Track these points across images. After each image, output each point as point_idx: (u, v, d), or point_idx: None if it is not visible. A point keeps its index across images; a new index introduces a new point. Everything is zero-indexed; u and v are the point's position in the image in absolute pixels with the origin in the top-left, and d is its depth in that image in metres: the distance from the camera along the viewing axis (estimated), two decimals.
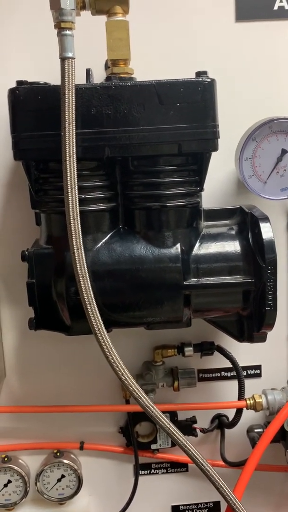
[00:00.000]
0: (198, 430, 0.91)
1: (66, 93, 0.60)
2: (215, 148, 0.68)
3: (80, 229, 0.63)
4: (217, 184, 0.85)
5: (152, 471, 0.95)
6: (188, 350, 0.87)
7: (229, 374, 0.92)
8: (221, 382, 0.93)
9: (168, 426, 0.70)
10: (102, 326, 0.66)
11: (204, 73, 0.66)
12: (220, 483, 0.73)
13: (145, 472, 0.94)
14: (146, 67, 0.74)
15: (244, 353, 0.90)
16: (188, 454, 0.72)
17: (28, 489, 0.89)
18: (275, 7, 0.80)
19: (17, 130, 0.66)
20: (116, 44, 0.69)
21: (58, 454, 0.90)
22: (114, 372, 0.68)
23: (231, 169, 0.83)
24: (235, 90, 0.81)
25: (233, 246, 0.72)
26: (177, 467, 0.95)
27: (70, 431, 0.91)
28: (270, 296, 0.68)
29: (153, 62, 0.78)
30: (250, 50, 0.81)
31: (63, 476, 0.89)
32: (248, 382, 0.89)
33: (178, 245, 0.71)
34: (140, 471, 0.93)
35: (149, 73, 0.70)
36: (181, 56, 0.79)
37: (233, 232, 0.74)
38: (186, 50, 0.80)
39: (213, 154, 0.73)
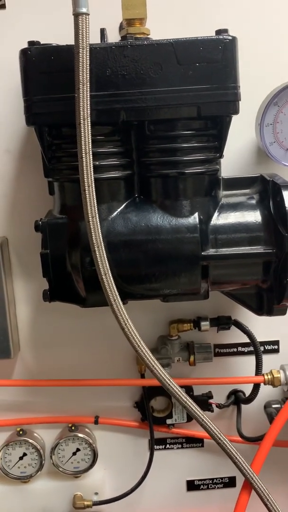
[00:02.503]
0: (214, 406, 0.90)
1: (80, 51, 0.57)
2: (236, 111, 0.65)
3: (95, 197, 0.61)
4: (237, 153, 0.82)
5: (167, 446, 0.94)
6: (205, 325, 0.85)
7: (246, 349, 0.90)
8: (238, 358, 0.91)
9: (185, 399, 0.69)
10: (118, 297, 0.64)
11: (225, 31, 0.63)
12: (238, 457, 0.73)
13: (160, 447, 0.94)
14: (163, 29, 0.70)
15: (262, 328, 0.88)
16: (205, 428, 0.71)
17: (43, 462, 0.89)
18: None
19: (29, 93, 0.63)
20: (131, 2, 0.66)
21: (73, 428, 0.89)
22: (130, 344, 0.66)
23: (250, 137, 0.80)
24: (257, 52, 0.77)
25: (253, 216, 0.69)
26: (192, 442, 0.94)
27: (85, 405, 0.90)
28: None
29: (171, 23, 0.74)
30: (274, 11, 0.77)
31: (78, 449, 0.89)
32: (265, 358, 0.87)
33: (196, 215, 0.68)
34: (155, 446, 0.92)
35: (166, 35, 0.66)
36: (201, 17, 0.75)
37: (253, 201, 0.71)
38: (206, 10, 0.76)
39: (233, 121, 0.70)
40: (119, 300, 0.64)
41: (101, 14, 0.69)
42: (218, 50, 0.61)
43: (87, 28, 0.57)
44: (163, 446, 0.94)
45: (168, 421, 0.91)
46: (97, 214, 0.61)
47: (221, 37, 0.62)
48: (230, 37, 0.62)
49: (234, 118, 0.68)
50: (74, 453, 0.90)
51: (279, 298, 0.69)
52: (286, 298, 0.68)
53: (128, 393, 0.91)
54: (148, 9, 0.67)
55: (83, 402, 0.90)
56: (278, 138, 0.73)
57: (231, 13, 0.76)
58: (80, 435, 0.89)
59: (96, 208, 0.61)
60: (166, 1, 0.75)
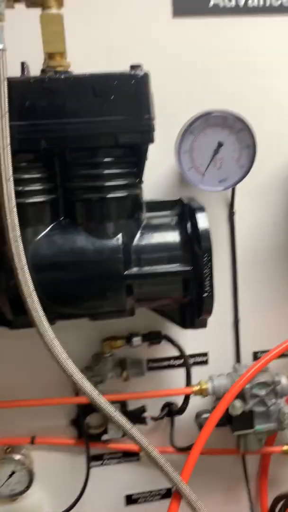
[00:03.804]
0: (148, 419, 0.93)
1: None
2: (151, 140, 0.69)
3: (17, 221, 0.63)
4: (160, 177, 0.87)
5: (105, 461, 0.96)
6: (136, 340, 0.88)
7: (177, 362, 0.94)
8: (170, 371, 0.95)
9: (115, 415, 0.72)
10: (43, 318, 0.66)
11: (138, 66, 0.68)
12: (168, 468, 0.75)
13: (98, 463, 0.95)
14: (83, 62, 0.74)
15: (192, 341, 0.93)
16: (135, 441, 0.73)
17: None
18: (211, 4, 0.83)
19: None
20: (51, 37, 0.69)
21: (8, 450, 0.89)
22: (57, 364, 0.68)
23: (173, 162, 0.85)
24: (174, 84, 0.83)
25: (172, 236, 0.74)
26: (129, 456, 0.96)
27: (21, 426, 0.91)
28: (207, 282, 0.70)
29: (90, 57, 0.79)
30: (187, 45, 0.83)
31: (13, 472, 0.89)
32: (196, 369, 0.92)
33: (120, 236, 0.72)
34: (92, 463, 0.94)
35: (86, 68, 0.71)
36: (118, 51, 0.81)
37: (173, 222, 0.76)
38: (124, 45, 0.81)
39: (156, 147, 0.74)
40: (45, 322, 0.66)
41: (28, 47, 0.73)
42: (131, 85, 0.66)
43: (5, 63, 0.60)
44: (101, 462, 0.96)
45: (104, 437, 0.92)
46: (19, 238, 0.63)
47: (133, 72, 0.66)
48: (142, 73, 0.67)
49: (157, 144, 0.73)
50: (10, 476, 0.89)
51: (199, 312, 0.74)
52: (205, 311, 0.73)
53: (63, 411, 0.92)
54: (72, 42, 0.72)
55: (18, 422, 0.90)
56: (195, 164, 0.79)
57: (150, 49, 0.82)
58: (15, 457, 0.89)
59: (18, 232, 0.63)
60: (87, 35, 0.80)
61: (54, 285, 0.70)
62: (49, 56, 0.70)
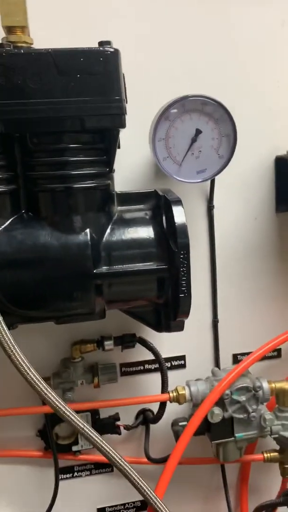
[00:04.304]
0: (121, 428, 0.87)
1: None
2: (122, 125, 0.63)
3: None
4: (134, 168, 0.81)
5: (75, 474, 0.90)
6: (108, 344, 0.82)
7: (153, 366, 0.88)
8: (145, 376, 0.89)
9: (82, 426, 0.65)
10: (2, 322, 0.59)
11: (108, 43, 0.61)
12: (140, 483, 0.69)
13: (67, 475, 0.89)
14: (48, 40, 0.67)
15: (169, 343, 0.87)
16: (104, 454, 0.67)
17: None
18: None
19: None
20: (10, 9, 0.62)
21: None
22: (19, 372, 0.61)
23: (148, 152, 0.79)
24: (150, 67, 0.77)
25: (146, 232, 0.68)
26: (101, 467, 0.90)
27: None
28: (183, 282, 0.64)
29: (56, 34, 0.72)
30: (163, 24, 0.77)
31: None
32: (173, 374, 0.86)
33: (88, 231, 0.65)
34: (62, 475, 0.87)
35: (52, 46, 0.64)
36: (90, 29, 0.74)
37: (147, 216, 0.70)
38: (91, 22, 0.74)
39: (129, 135, 0.68)
40: (4, 326, 0.59)
41: None
42: (99, 62, 0.59)
43: None
44: (71, 474, 0.89)
45: (74, 448, 0.86)
46: None
47: (102, 48, 0.60)
48: (112, 49, 0.60)
49: (130, 131, 0.67)
50: None
51: (174, 314, 0.68)
52: (181, 313, 0.67)
53: (30, 422, 0.85)
54: (35, 18, 0.65)
55: None
56: (171, 153, 0.73)
57: (123, 27, 0.75)
58: None
59: None
60: (55, 11, 0.73)
61: (14, 285, 0.63)
62: (9, 30, 0.63)
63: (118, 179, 0.76)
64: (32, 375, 0.62)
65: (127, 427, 0.87)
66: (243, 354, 0.90)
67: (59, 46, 0.60)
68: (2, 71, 0.58)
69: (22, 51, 0.59)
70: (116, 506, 0.92)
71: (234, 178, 0.83)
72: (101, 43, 0.61)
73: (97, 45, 0.61)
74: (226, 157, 0.73)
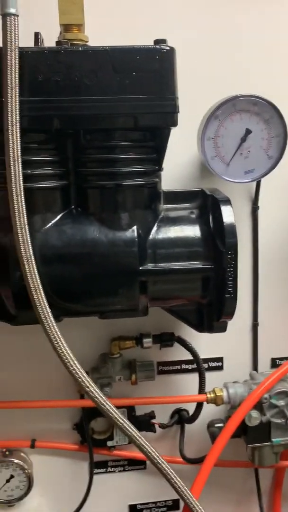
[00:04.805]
0: (156, 426, 0.87)
1: (9, 54, 0.54)
2: (174, 123, 0.63)
3: (24, 207, 0.57)
4: (181, 167, 0.81)
5: (109, 469, 0.90)
6: (147, 342, 0.82)
7: (190, 366, 0.88)
8: (182, 375, 0.89)
9: (122, 421, 0.66)
10: (50, 314, 0.60)
11: (163, 41, 0.61)
12: (177, 481, 0.69)
13: (101, 470, 0.90)
14: (102, 38, 0.68)
15: (206, 345, 0.86)
16: (142, 450, 0.68)
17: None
18: None
19: None
20: (68, 7, 0.63)
21: (7, 453, 0.84)
22: (62, 364, 0.62)
23: (195, 151, 0.79)
24: (200, 67, 0.77)
25: (192, 230, 0.68)
26: (134, 464, 0.91)
27: (21, 428, 0.85)
28: (230, 282, 0.64)
29: (110, 33, 0.72)
30: (217, 26, 0.77)
31: (12, 476, 0.84)
32: (209, 375, 0.86)
33: (135, 228, 0.66)
34: (95, 470, 0.88)
35: (106, 43, 0.64)
36: (142, 28, 0.74)
37: (193, 215, 0.70)
38: (148, 21, 0.75)
39: (176, 134, 0.68)
40: (51, 318, 0.60)
41: (40, 17, 0.67)
42: (155, 60, 0.60)
43: (16, 29, 0.54)
44: (104, 469, 0.90)
45: (109, 443, 0.87)
46: (26, 225, 0.57)
47: (158, 46, 0.60)
48: (167, 47, 0.60)
49: (179, 131, 0.67)
50: (7, 480, 0.84)
51: (218, 314, 0.68)
52: (226, 314, 0.67)
53: (67, 415, 0.86)
54: (90, 17, 0.66)
55: (18, 425, 0.85)
56: (219, 152, 0.73)
57: (177, 27, 0.75)
58: (14, 460, 0.83)
59: (25, 219, 0.57)
60: (108, 10, 0.74)
61: (62, 279, 0.64)
62: (65, 28, 0.65)
63: (164, 177, 0.76)
64: (76, 368, 0.62)
65: (162, 426, 0.87)
66: (282, 359, 0.89)
67: (110, 43, 0.61)
68: (60, 68, 0.59)
69: (80, 48, 0.59)
70: (147, 504, 0.92)
71: (280, 179, 0.82)
72: (157, 41, 0.61)
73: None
74: (276, 158, 0.73)
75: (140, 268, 0.65)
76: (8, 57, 0.54)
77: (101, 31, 0.71)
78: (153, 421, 0.87)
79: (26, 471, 0.83)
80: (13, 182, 0.56)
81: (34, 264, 0.59)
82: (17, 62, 0.54)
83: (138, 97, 0.60)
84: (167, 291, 0.69)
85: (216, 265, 0.65)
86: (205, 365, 0.86)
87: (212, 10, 0.77)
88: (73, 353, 0.61)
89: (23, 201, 0.57)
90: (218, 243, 0.65)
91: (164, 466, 0.68)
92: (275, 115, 0.71)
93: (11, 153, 0.56)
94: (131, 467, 0.91)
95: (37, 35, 0.64)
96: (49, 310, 0.60)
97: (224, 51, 0.77)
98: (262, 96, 0.70)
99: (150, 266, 0.66)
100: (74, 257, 0.64)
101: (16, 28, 0.54)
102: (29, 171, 0.61)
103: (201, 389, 0.83)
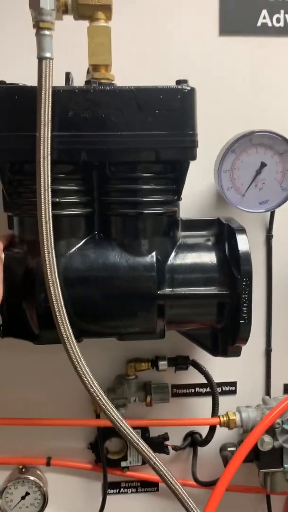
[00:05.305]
0: (170, 448, 0.88)
1: (43, 93, 0.59)
2: (193, 157, 0.67)
3: (52, 233, 0.61)
4: (197, 196, 0.85)
5: (121, 490, 0.91)
6: (162, 364, 0.85)
7: (203, 390, 0.90)
8: (196, 398, 0.90)
9: (138, 441, 0.68)
10: (72, 335, 0.64)
11: (185, 81, 0.66)
12: (190, 504, 0.70)
13: (114, 491, 0.91)
14: (128, 75, 0.73)
15: (220, 369, 0.88)
16: (157, 472, 0.69)
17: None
18: (258, 24, 0.81)
19: None
20: (97, 49, 0.69)
21: (23, 470, 0.86)
22: (82, 383, 0.65)
23: (211, 181, 0.83)
24: (218, 102, 0.82)
25: (209, 257, 0.71)
26: (147, 486, 0.92)
27: (37, 446, 0.87)
28: (244, 308, 0.66)
29: (136, 71, 0.78)
30: (233, 63, 0.82)
31: (27, 493, 0.85)
32: (223, 399, 0.87)
33: (154, 254, 0.69)
34: (108, 490, 0.89)
35: (131, 81, 0.69)
36: (164, 66, 0.79)
37: (209, 243, 0.73)
38: (169, 60, 0.80)
39: (194, 165, 0.72)
40: (73, 338, 0.64)
41: (71, 58, 0.72)
42: (177, 99, 0.64)
43: (51, 71, 0.59)
44: (117, 490, 0.91)
45: (123, 464, 0.88)
46: (53, 250, 0.61)
47: (180, 87, 0.65)
48: (188, 88, 0.65)
49: (196, 163, 0.70)
50: (23, 497, 0.86)
51: (233, 339, 0.70)
52: (240, 339, 0.69)
53: (82, 434, 0.88)
54: (118, 55, 0.71)
55: (35, 442, 0.87)
56: (235, 184, 0.76)
57: (195, 65, 0.80)
58: (30, 477, 0.85)
59: (52, 244, 0.61)
60: (133, 50, 0.79)
61: (84, 300, 0.68)
62: (94, 68, 0.70)
63: (182, 205, 0.79)
64: (95, 388, 0.65)
65: (175, 448, 0.88)
66: None
67: (136, 82, 0.66)
68: (89, 106, 0.64)
69: (107, 88, 0.64)
70: None
71: None
72: (178, 82, 0.66)
73: (173, 83, 0.67)
74: None
75: (158, 292, 0.68)
76: (42, 96, 0.59)
77: (126, 69, 0.76)
78: (167, 443, 0.88)
79: (41, 488, 0.85)
80: (42, 209, 0.61)
81: (58, 286, 0.62)
82: (50, 101, 0.59)
83: (160, 133, 0.64)
84: (183, 315, 0.72)
85: (231, 291, 0.68)
86: (219, 389, 0.88)
87: (229, 49, 0.81)
88: (92, 373, 0.64)
89: (51, 228, 0.61)
90: (234, 270, 0.68)
91: (178, 487, 0.70)
92: None
93: (42, 183, 0.60)
94: (144, 489, 0.92)
95: (68, 75, 0.69)
96: (71, 330, 0.63)
97: (241, 88, 0.82)
98: (276, 131, 0.74)
99: (167, 290, 0.69)
100: (96, 280, 0.68)
101: (50, 70, 0.59)
102: (57, 199, 0.65)
103: (214, 413, 0.84)
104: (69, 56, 0.72)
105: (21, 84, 0.66)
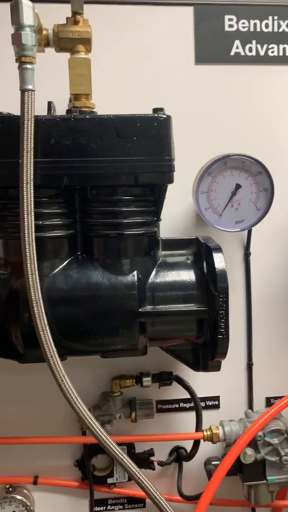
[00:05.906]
0: (155, 463, 0.90)
1: (25, 123, 0.62)
2: (170, 181, 0.70)
3: (35, 254, 0.64)
4: (177, 216, 0.88)
5: (108, 507, 0.92)
6: (146, 380, 0.86)
7: (187, 405, 0.92)
8: (180, 414, 0.92)
9: (122, 458, 0.69)
10: (55, 353, 0.65)
11: (161, 109, 0.70)
12: None
13: (101, 508, 0.92)
14: (108, 104, 0.77)
15: (203, 384, 0.90)
16: (142, 487, 0.71)
17: None
18: (232, 53, 0.86)
19: None
20: (78, 79, 0.72)
21: (10, 489, 0.86)
22: (66, 400, 0.67)
23: (190, 202, 0.86)
24: (195, 127, 0.86)
25: (188, 275, 0.74)
26: (134, 502, 0.92)
27: (24, 465, 0.88)
28: (222, 324, 0.69)
29: (115, 99, 0.82)
30: (209, 90, 0.86)
31: None
32: (206, 413, 0.89)
33: (135, 273, 0.72)
34: (95, 507, 0.90)
35: (111, 109, 0.73)
36: (141, 94, 0.83)
37: (189, 261, 0.76)
38: (146, 89, 0.84)
39: (174, 187, 0.76)
40: (57, 356, 0.65)
41: (53, 86, 0.76)
42: (154, 127, 0.68)
43: (33, 102, 0.62)
44: (104, 507, 0.92)
45: (109, 480, 0.89)
46: (36, 271, 0.64)
47: (156, 115, 0.68)
48: (164, 116, 0.69)
49: (176, 185, 0.74)
50: None
51: (212, 354, 0.72)
52: (219, 354, 0.71)
53: (69, 451, 0.89)
54: (97, 84, 0.74)
55: (21, 461, 0.88)
56: (212, 205, 0.80)
57: (173, 93, 0.85)
58: (17, 497, 0.86)
59: (36, 265, 0.64)
60: (112, 79, 0.83)
61: (67, 319, 0.70)
62: (75, 97, 0.73)
63: (162, 226, 0.83)
64: (79, 405, 0.67)
65: (161, 463, 0.89)
66: (276, 398, 0.92)
67: (115, 110, 0.70)
68: (70, 133, 0.67)
69: (88, 116, 0.68)
70: None
71: (270, 227, 0.89)
72: (155, 110, 0.70)
73: (151, 111, 0.70)
74: (264, 210, 0.80)
75: (140, 309, 0.71)
76: (25, 125, 0.62)
77: (106, 97, 0.80)
78: (152, 458, 0.89)
79: (28, 507, 0.85)
80: (26, 232, 0.63)
81: (42, 306, 0.64)
82: (32, 129, 0.62)
83: (138, 159, 0.68)
84: (164, 332, 0.74)
85: (209, 308, 0.71)
86: (202, 404, 0.90)
87: (205, 76, 0.86)
88: (76, 390, 0.66)
89: (34, 250, 0.63)
90: (211, 287, 0.71)
91: (163, 503, 0.71)
92: (263, 171, 0.79)
93: (25, 207, 0.63)
94: (131, 505, 0.92)
95: (50, 104, 0.72)
96: (55, 349, 0.65)
97: (217, 113, 0.86)
98: (250, 155, 0.78)
99: (149, 308, 0.72)
100: (79, 299, 0.70)
101: (33, 101, 0.63)
102: (40, 222, 0.68)
103: (198, 427, 0.86)
104: (52, 84, 0.76)
105: (5, 113, 0.69)
